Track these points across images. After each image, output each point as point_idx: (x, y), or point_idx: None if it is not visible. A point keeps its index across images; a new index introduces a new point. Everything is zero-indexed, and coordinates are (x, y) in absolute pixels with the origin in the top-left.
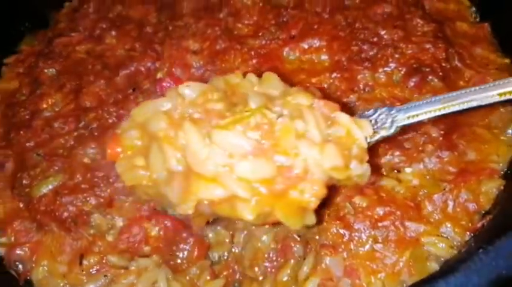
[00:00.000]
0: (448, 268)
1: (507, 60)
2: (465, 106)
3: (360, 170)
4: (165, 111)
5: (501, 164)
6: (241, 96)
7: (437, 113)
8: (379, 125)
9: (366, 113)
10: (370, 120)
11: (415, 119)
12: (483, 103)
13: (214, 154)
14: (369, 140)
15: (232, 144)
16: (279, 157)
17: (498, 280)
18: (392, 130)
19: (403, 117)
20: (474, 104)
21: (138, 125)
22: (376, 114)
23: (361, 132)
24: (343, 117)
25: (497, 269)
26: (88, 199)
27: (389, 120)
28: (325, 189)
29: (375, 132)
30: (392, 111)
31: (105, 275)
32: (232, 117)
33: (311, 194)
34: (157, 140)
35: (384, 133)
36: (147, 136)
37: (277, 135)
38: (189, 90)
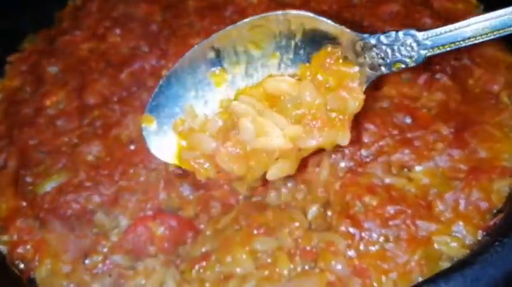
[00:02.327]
0: (464, 260)
1: None
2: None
3: None
4: None
5: None
6: None
7: (471, 43)
8: (403, 53)
9: (388, 36)
10: (393, 47)
11: (447, 49)
12: None
13: None
14: (393, 69)
15: None
16: None
17: None
18: (420, 60)
19: (433, 46)
20: None
21: None
22: (400, 40)
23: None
24: None
25: None
26: (92, 196)
27: (416, 48)
28: None
29: (398, 62)
30: (419, 39)
31: (109, 275)
32: None
33: None
34: None
35: (409, 63)
36: None
37: None
38: None
